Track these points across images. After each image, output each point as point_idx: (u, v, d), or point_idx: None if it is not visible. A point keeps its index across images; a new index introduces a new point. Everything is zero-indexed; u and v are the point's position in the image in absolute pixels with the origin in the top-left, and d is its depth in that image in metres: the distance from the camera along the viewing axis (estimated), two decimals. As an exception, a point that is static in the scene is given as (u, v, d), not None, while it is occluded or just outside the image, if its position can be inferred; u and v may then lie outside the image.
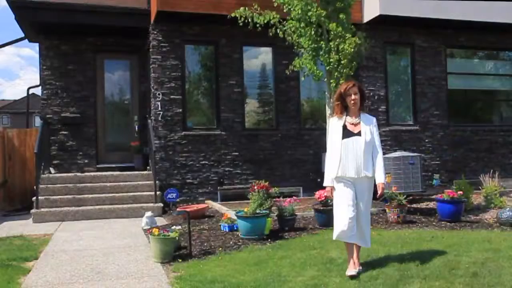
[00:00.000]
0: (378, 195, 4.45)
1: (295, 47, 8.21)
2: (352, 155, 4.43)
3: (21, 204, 10.19)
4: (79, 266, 5.12)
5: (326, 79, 8.06)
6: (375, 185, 4.59)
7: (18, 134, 10.82)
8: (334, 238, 4.52)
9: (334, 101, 4.66)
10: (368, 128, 4.50)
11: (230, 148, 9.89)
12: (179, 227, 5.94)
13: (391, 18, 10.11)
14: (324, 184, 4.55)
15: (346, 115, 4.58)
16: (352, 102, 4.51)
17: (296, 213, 7.01)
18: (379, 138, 4.60)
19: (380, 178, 4.47)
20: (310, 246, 5.68)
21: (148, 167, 9.86)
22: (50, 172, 9.66)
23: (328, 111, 8.22)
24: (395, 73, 11.21)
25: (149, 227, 6.93)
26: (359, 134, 4.47)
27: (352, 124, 4.53)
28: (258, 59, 10.51)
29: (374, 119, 4.64)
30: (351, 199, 4.44)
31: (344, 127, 4.52)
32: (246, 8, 8.11)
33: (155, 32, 9.58)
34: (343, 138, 4.47)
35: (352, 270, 4.40)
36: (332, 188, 4.55)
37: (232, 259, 5.22)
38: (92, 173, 9.59)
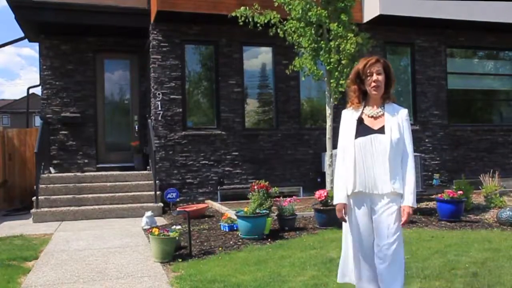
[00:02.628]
0: (402, 222, 3.05)
1: (295, 47, 8.22)
2: (371, 160, 3.07)
3: (21, 204, 10.20)
4: (79, 266, 5.12)
5: (326, 79, 8.06)
6: None
7: (18, 134, 10.82)
8: (338, 281, 3.34)
9: (349, 84, 3.31)
10: (396, 123, 3.10)
11: (230, 148, 9.89)
12: (179, 227, 5.93)
13: (391, 18, 10.11)
14: (334, 202, 3.23)
15: (365, 105, 3.22)
16: (374, 85, 3.10)
17: (296, 213, 7.01)
18: (411, 138, 3.15)
19: (408, 199, 3.04)
20: (310, 246, 5.68)
21: (148, 167, 9.86)
22: (50, 172, 9.67)
23: (328, 111, 8.23)
24: (395, 73, 11.12)
25: (149, 226, 6.93)
26: (381, 131, 3.09)
27: (372, 117, 3.16)
28: (258, 59, 10.50)
29: (406, 112, 3.18)
30: (366, 229, 3.13)
31: (360, 121, 3.15)
32: (247, 8, 8.12)
33: (155, 32, 9.58)
34: (357, 136, 3.11)
35: None
36: (345, 207, 3.16)
37: (232, 259, 5.22)
38: (92, 173, 9.59)
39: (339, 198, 3.17)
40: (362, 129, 3.12)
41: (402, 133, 3.10)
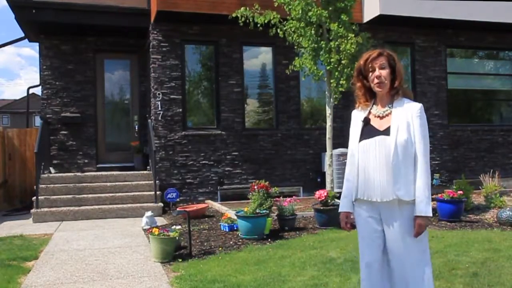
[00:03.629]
0: (414, 233, 2.68)
1: (295, 47, 8.21)
2: (374, 165, 2.73)
3: (21, 204, 10.20)
4: (79, 266, 5.12)
5: (326, 79, 8.06)
6: None
7: (18, 134, 10.82)
8: None
9: (354, 81, 2.99)
10: (404, 122, 2.72)
11: (230, 148, 9.89)
12: (179, 227, 5.94)
13: (391, 18, 10.11)
14: (339, 210, 2.96)
15: (373, 104, 2.90)
16: (376, 81, 2.78)
17: (296, 213, 7.01)
18: (424, 137, 2.73)
19: (421, 207, 2.64)
20: (310, 245, 5.68)
21: (148, 167, 9.86)
22: (50, 172, 9.66)
23: (328, 111, 8.22)
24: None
25: (149, 227, 6.94)
26: (386, 132, 2.75)
27: (378, 116, 2.82)
28: (258, 59, 10.50)
29: (418, 107, 2.77)
30: (373, 243, 2.79)
31: (366, 121, 2.85)
32: (247, 8, 8.12)
33: (155, 32, 9.58)
34: (361, 139, 2.82)
35: None
36: (349, 216, 2.90)
37: (232, 259, 5.22)
38: (92, 173, 9.59)
39: (342, 206, 2.93)
40: (367, 131, 2.81)
41: (412, 132, 2.72)
